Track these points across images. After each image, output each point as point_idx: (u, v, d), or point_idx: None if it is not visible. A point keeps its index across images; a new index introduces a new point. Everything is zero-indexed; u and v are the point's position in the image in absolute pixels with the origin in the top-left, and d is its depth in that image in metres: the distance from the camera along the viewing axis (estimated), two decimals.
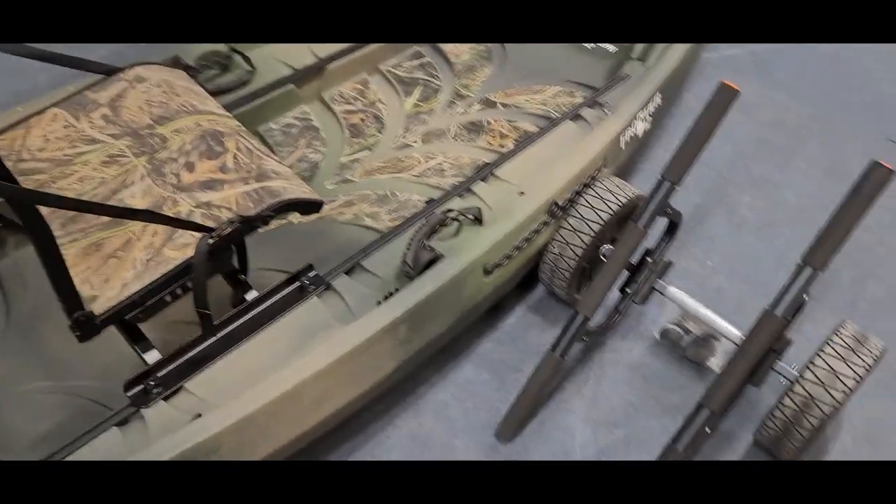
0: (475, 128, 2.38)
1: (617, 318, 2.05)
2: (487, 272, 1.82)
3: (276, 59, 2.32)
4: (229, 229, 1.46)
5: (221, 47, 2.24)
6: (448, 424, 1.87)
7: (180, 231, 1.48)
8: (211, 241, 1.43)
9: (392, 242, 1.87)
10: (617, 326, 2.10)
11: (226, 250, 1.52)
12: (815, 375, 1.65)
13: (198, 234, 1.45)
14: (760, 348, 1.60)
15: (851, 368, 1.64)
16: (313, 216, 1.95)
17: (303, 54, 2.37)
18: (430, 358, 1.94)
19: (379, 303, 1.68)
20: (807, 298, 1.64)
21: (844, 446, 1.91)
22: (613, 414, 1.93)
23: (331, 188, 2.17)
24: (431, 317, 1.72)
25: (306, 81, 2.37)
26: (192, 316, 1.53)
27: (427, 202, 2.01)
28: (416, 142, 2.33)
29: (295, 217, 2.05)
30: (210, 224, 1.48)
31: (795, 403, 1.67)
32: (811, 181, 2.58)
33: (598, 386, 1.99)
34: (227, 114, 1.78)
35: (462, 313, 1.80)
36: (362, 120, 2.39)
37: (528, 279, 2.14)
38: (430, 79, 2.54)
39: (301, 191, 1.61)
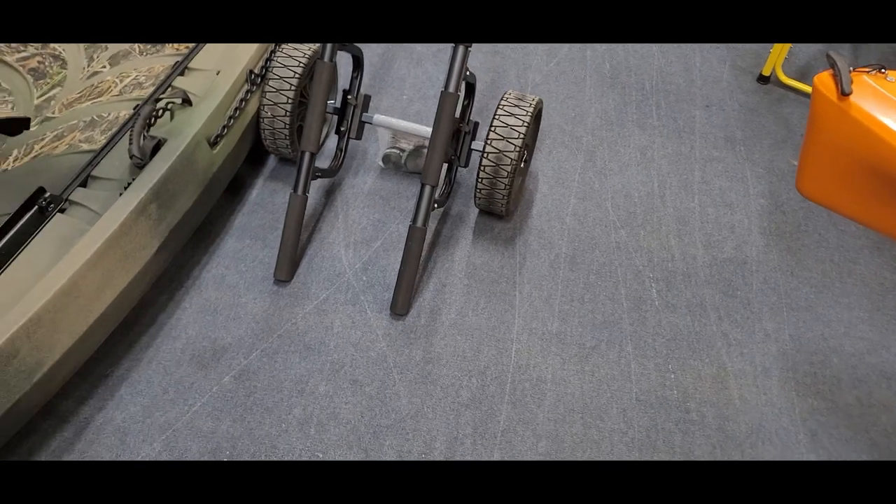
0: None
1: (342, 156, 2.34)
2: (212, 144, 2.00)
3: None
4: None
5: None
6: (230, 290, 2.06)
7: None
8: None
9: (115, 148, 1.96)
10: (346, 166, 2.39)
11: None
12: (497, 133, 2.07)
13: None
14: (448, 121, 1.97)
15: (518, 118, 2.08)
16: (27, 158, 1.99)
17: None
18: (194, 241, 2.11)
19: (121, 194, 1.80)
20: (469, 72, 2.03)
21: (543, 192, 2.40)
22: (366, 232, 2.24)
23: (35, 129, 2.17)
24: (176, 193, 1.87)
25: None
26: None
27: (134, 108, 2.11)
28: (104, 67, 2.38)
29: (8, 164, 2.05)
30: None
31: (490, 160, 2.08)
32: None
33: (347, 216, 2.28)
34: None
35: (204, 185, 1.98)
36: (40, 62, 2.37)
37: (257, 155, 2.35)
38: None
39: (2, 111, 1.66)
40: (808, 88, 2.78)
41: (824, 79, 1.50)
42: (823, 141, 1.53)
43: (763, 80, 2.83)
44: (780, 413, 1.91)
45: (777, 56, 2.76)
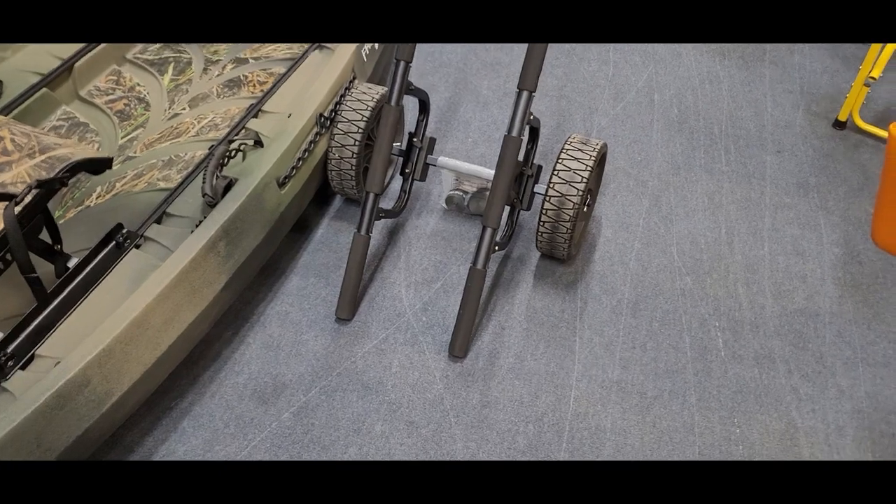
0: (235, 83, 2.58)
1: (405, 198, 2.37)
2: (281, 184, 2.06)
3: (21, 69, 2.38)
4: (30, 193, 1.58)
5: None
6: (293, 327, 2.11)
7: None
8: (16, 207, 1.55)
9: (190, 187, 2.05)
10: (410, 207, 2.43)
11: (33, 217, 1.64)
12: (560, 177, 2.07)
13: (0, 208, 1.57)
14: (510, 165, 1.98)
15: (582, 162, 2.07)
16: (109, 195, 2.09)
17: (46, 60, 2.43)
18: (260, 278, 2.16)
19: (192, 231, 1.87)
20: (533, 116, 2.04)
21: (607, 236, 2.38)
22: (427, 273, 2.26)
23: (117, 167, 2.29)
24: (244, 231, 1.93)
25: (59, 84, 2.44)
26: (21, 291, 1.64)
27: (209, 148, 2.20)
28: (184, 109, 2.50)
29: (91, 201, 2.17)
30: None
31: (553, 204, 2.08)
32: None
33: (409, 256, 2.30)
34: None
35: (271, 224, 2.03)
36: (126, 105, 2.50)
37: (324, 195, 2.41)
38: (178, 55, 2.69)
39: (89, 151, 1.76)
40: (886, 134, 2.68)
41: None
42: None
43: (839, 125, 2.75)
44: None
45: (854, 101, 2.68)
